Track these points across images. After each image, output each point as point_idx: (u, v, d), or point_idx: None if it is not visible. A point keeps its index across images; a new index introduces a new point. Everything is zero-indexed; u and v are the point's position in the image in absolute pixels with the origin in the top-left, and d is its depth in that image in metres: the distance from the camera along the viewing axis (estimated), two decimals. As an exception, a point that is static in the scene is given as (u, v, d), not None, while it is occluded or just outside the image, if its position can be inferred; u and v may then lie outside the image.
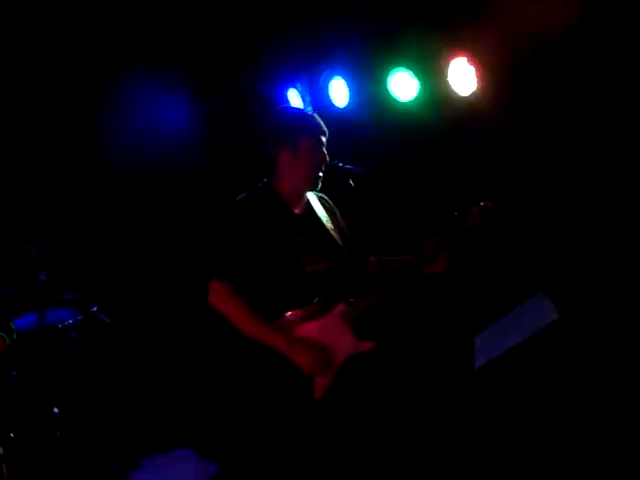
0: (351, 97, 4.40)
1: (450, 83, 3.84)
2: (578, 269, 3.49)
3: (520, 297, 3.20)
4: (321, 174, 2.98)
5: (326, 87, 4.51)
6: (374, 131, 4.27)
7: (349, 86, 4.41)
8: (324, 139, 2.99)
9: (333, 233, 3.02)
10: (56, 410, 3.97)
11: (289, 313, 2.86)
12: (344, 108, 4.43)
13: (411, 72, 4.03)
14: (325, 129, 3.02)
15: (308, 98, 4.65)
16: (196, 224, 4.45)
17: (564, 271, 3.48)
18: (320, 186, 3.03)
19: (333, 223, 3.06)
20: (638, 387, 3.21)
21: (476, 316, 3.41)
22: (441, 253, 2.91)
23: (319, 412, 2.80)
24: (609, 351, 3.32)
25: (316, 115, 3.06)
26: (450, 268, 2.92)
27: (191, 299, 4.58)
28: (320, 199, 3.10)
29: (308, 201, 3.05)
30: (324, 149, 2.98)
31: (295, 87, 4.71)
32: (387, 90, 4.12)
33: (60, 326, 4.01)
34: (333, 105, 4.46)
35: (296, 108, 3.23)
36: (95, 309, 4.00)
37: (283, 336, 2.79)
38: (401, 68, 4.07)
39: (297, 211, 3.00)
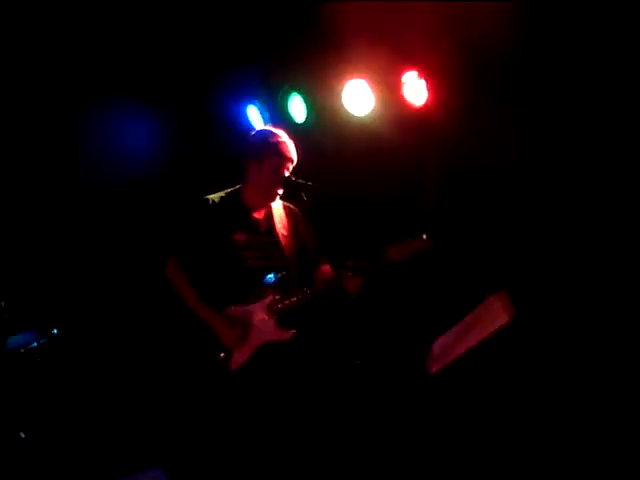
0: (308, 112, 4.47)
1: (403, 96, 3.92)
2: (529, 272, 3.58)
3: (474, 301, 3.27)
4: (279, 191, 3.47)
5: (285, 103, 4.58)
6: (331, 145, 4.33)
7: (306, 101, 4.48)
8: (289, 165, 3.45)
9: (282, 238, 3.47)
10: (22, 435, 3.95)
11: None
12: (302, 123, 4.50)
13: (366, 86, 4.10)
14: (293, 158, 3.48)
15: (267, 114, 4.73)
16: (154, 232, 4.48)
17: (515, 274, 3.57)
18: (277, 199, 3.52)
19: (289, 230, 3.51)
20: (592, 386, 3.29)
21: (433, 323, 3.48)
22: (355, 277, 3.29)
23: (231, 382, 3.29)
24: (561, 352, 3.40)
25: (290, 142, 3.50)
26: (356, 295, 3.31)
27: (155, 318, 4.66)
28: (287, 209, 3.57)
29: (270, 208, 3.52)
30: (285, 172, 3.44)
31: (254, 104, 4.77)
32: (343, 105, 4.19)
33: (22, 350, 3.99)
34: (292, 120, 4.53)
35: (275, 131, 3.57)
36: (55, 332, 3.99)
37: (210, 310, 3.32)
38: (356, 83, 4.14)
39: (256, 215, 3.50)
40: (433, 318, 3.65)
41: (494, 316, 2.96)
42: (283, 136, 3.48)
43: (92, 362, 4.68)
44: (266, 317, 3.33)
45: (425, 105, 3.86)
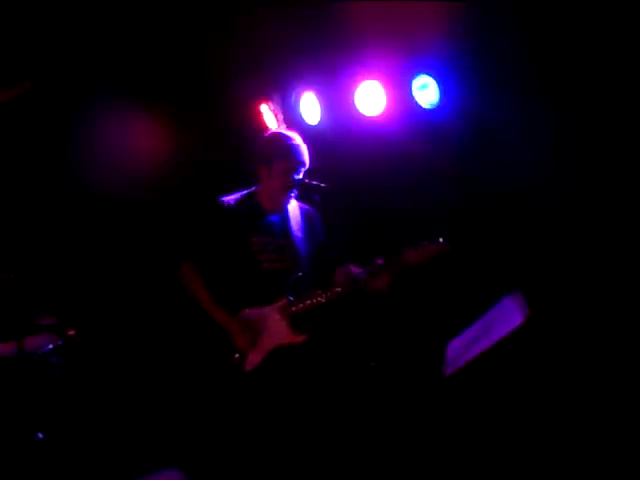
0: (322, 114, 4.48)
1: (414, 97, 3.91)
2: (543, 274, 3.56)
3: (489, 303, 3.26)
4: (292, 194, 3.48)
5: (297, 104, 4.59)
6: (344, 146, 4.33)
7: (320, 103, 4.48)
8: (300, 168, 3.43)
9: (298, 240, 3.46)
10: (40, 436, 3.99)
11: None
12: (316, 125, 4.50)
13: (379, 87, 4.10)
14: (304, 161, 3.45)
15: (280, 116, 4.73)
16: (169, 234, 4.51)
17: (530, 275, 3.56)
18: (292, 201, 3.52)
19: (305, 232, 3.50)
20: (606, 388, 3.27)
21: (448, 325, 3.47)
22: (382, 274, 3.28)
23: (246, 383, 3.31)
24: (576, 354, 3.39)
25: (302, 146, 3.47)
26: (389, 289, 3.29)
27: (171, 320, 4.68)
28: (303, 210, 3.56)
29: (286, 210, 3.51)
30: (295, 176, 3.42)
31: (267, 104, 4.78)
32: (355, 106, 4.20)
33: (40, 352, 4.03)
34: (304, 122, 4.53)
35: (287, 134, 3.56)
36: (72, 333, 4.02)
37: (224, 312, 3.33)
38: (369, 83, 4.15)
39: (272, 218, 3.49)
40: (448, 320, 3.64)
41: (508, 317, 2.95)
42: (294, 139, 3.46)
43: (108, 363, 4.72)
44: (280, 320, 3.33)
45: (437, 107, 3.85)
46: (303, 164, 3.43)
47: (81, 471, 4.18)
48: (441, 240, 3.21)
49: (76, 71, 4.72)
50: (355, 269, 3.36)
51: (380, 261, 3.27)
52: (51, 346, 4.02)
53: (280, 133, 3.57)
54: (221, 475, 3.61)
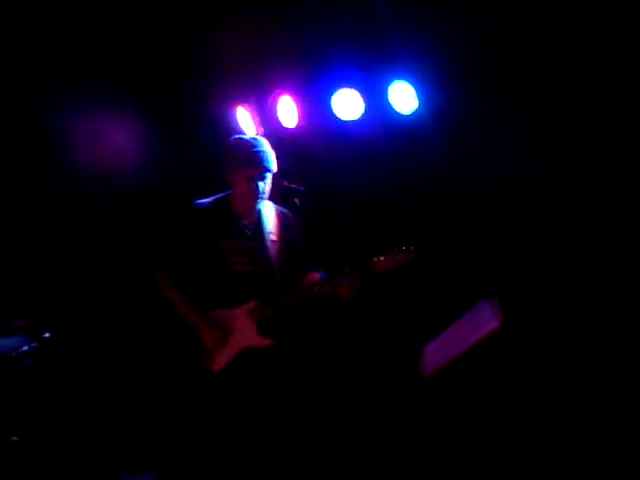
0: (300, 117, 4.49)
1: (392, 103, 3.96)
2: (518, 275, 3.62)
3: (466, 306, 3.31)
4: (260, 198, 3.46)
5: (274, 107, 4.59)
6: (322, 150, 4.36)
7: (298, 106, 4.49)
8: (264, 174, 3.41)
9: (270, 243, 3.47)
10: (14, 439, 3.95)
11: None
12: (293, 128, 4.51)
13: (357, 91, 4.13)
14: (267, 167, 3.42)
15: (257, 119, 4.73)
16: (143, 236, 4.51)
17: (505, 278, 3.61)
18: (265, 204, 3.51)
19: (279, 236, 3.50)
20: (582, 391, 3.33)
21: (424, 327, 3.52)
22: (348, 282, 3.30)
23: (213, 384, 3.36)
24: (550, 357, 3.45)
25: (265, 151, 3.43)
26: (353, 297, 3.31)
27: (144, 319, 4.67)
28: (279, 214, 3.57)
29: (259, 214, 3.51)
30: (259, 183, 3.41)
31: (244, 107, 4.78)
32: (333, 110, 4.22)
33: (13, 354, 3.98)
34: (282, 125, 4.54)
35: (249, 139, 3.53)
36: (47, 335, 3.99)
37: (195, 313, 3.40)
38: (346, 87, 4.17)
39: (244, 221, 3.51)
40: (423, 323, 3.68)
41: (484, 321, 3.00)
42: (258, 144, 3.44)
43: (83, 366, 4.69)
44: (248, 322, 3.37)
45: (414, 112, 3.89)
46: (267, 170, 3.42)
47: (55, 475, 4.15)
48: (409, 248, 3.22)
49: (48, 68, 4.67)
50: (322, 275, 3.43)
51: (347, 269, 3.30)
52: (26, 348, 3.98)
53: (242, 139, 3.54)
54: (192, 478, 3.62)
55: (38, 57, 4.58)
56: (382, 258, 3.24)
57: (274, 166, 3.45)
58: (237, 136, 3.68)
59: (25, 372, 4.06)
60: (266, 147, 3.46)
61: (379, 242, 3.38)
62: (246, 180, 3.40)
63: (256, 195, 3.41)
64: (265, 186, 3.43)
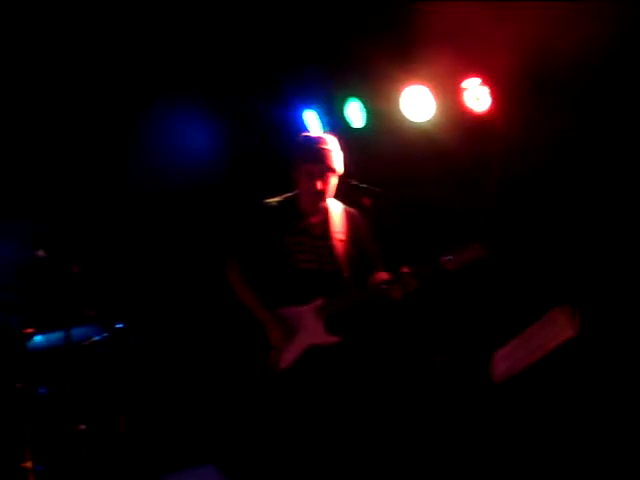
0: (367, 118, 4.49)
1: (464, 102, 3.92)
2: (595, 285, 3.53)
3: (538, 313, 3.24)
4: (326, 196, 3.45)
5: (342, 108, 4.61)
6: (390, 151, 4.34)
7: (365, 107, 4.49)
8: (325, 172, 3.39)
9: (337, 242, 3.48)
10: (82, 427, 4.05)
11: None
12: (361, 129, 4.52)
13: (427, 92, 4.10)
14: (329, 165, 3.39)
15: (325, 119, 4.76)
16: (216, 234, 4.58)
17: (581, 287, 3.52)
18: (332, 203, 3.51)
19: (347, 235, 3.50)
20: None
21: (495, 332, 3.46)
22: (404, 282, 3.28)
23: (280, 381, 3.37)
24: (626, 367, 3.34)
25: (328, 149, 3.40)
26: (401, 298, 3.30)
27: (214, 316, 4.74)
28: (348, 213, 3.56)
29: (327, 212, 3.52)
30: (318, 179, 3.40)
31: (312, 108, 4.82)
32: (401, 111, 4.21)
33: (86, 343, 4.09)
34: (350, 126, 4.56)
35: (314, 137, 3.53)
36: (121, 326, 4.08)
37: (263, 308, 3.41)
38: (416, 88, 4.15)
39: (312, 220, 3.50)
40: (492, 328, 3.62)
41: (559, 330, 2.93)
42: (322, 142, 3.43)
43: (153, 357, 4.78)
44: (315, 320, 3.38)
45: (487, 112, 3.84)
46: (328, 168, 3.39)
47: (119, 463, 4.24)
48: (478, 246, 3.16)
49: (131, 72, 4.82)
50: (388, 275, 3.38)
51: (406, 269, 3.27)
52: (97, 337, 4.09)
53: (309, 136, 3.56)
54: (255, 472, 3.65)
55: (128, 65, 4.74)
56: (451, 255, 3.20)
57: (337, 165, 3.43)
58: (305, 134, 3.70)
59: (97, 360, 4.16)
60: (331, 145, 3.45)
61: (445, 243, 3.32)
62: (307, 176, 3.42)
63: (317, 192, 3.41)
64: (326, 184, 3.41)
